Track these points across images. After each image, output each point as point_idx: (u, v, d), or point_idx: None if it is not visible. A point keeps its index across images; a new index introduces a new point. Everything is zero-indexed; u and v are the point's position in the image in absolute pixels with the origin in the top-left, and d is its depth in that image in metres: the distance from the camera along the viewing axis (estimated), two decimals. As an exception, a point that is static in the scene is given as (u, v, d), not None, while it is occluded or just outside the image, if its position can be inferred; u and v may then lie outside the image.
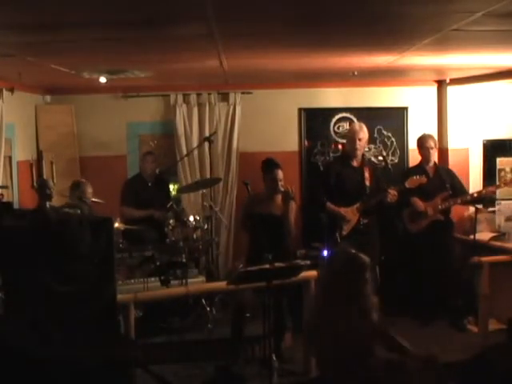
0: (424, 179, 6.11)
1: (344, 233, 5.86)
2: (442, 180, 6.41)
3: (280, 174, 5.49)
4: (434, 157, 6.62)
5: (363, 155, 6.24)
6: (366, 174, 6.02)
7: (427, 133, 6.74)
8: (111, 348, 3.80)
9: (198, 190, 7.12)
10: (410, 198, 6.33)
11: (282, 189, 5.45)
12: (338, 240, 5.80)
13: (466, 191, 6.51)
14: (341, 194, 5.94)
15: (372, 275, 3.38)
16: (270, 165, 5.56)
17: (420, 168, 6.48)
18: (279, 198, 5.51)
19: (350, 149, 6.12)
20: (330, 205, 5.91)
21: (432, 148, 6.48)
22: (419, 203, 6.34)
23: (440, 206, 6.29)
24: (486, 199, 6.48)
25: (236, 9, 3.32)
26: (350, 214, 5.90)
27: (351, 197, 5.94)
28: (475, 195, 6.30)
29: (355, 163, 6.09)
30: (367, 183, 6.00)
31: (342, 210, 5.89)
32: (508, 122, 7.42)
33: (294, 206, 5.58)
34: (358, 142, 6.03)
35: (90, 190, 6.18)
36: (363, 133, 6.11)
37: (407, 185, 5.97)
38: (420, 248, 6.41)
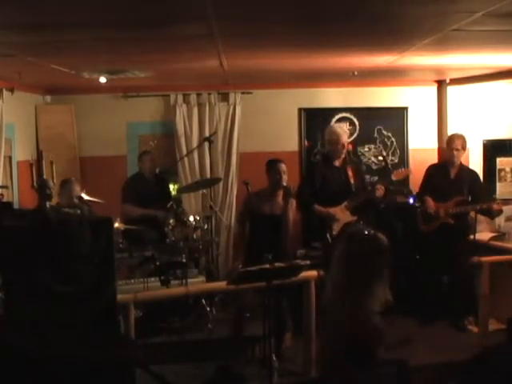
0: (410, 171, 6.07)
1: (334, 232, 5.86)
2: (461, 183, 6.22)
3: (283, 167, 5.58)
4: (460, 158, 6.32)
5: (345, 155, 6.18)
6: (350, 173, 6.02)
7: (458, 133, 6.55)
8: (111, 348, 3.80)
9: (197, 190, 7.13)
10: (425, 196, 6.29)
11: (285, 183, 5.49)
12: (330, 240, 5.81)
13: (483, 197, 6.25)
14: (327, 194, 5.93)
15: None
16: (273, 161, 5.67)
17: (441, 166, 6.40)
18: (280, 196, 5.54)
19: (334, 151, 6.02)
20: (317, 207, 5.89)
21: (458, 150, 6.23)
22: (430, 204, 6.23)
23: (451, 210, 6.16)
24: (495, 213, 6.26)
25: (236, 8, 3.32)
26: (339, 212, 5.89)
27: (337, 196, 5.93)
28: (484, 206, 6.07)
29: (337, 163, 6.07)
30: (352, 181, 6.00)
31: (331, 210, 5.89)
32: (508, 122, 7.42)
33: (293, 204, 5.61)
34: (341, 146, 5.98)
35: (77, 188, 6.16)
36: (346, 135, 6.14)
37: (393, 177, 5.95)
38: (427, 249, 6.38)
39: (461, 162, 6.39)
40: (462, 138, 6.36)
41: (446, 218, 6.20)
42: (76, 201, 6.03)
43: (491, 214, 6.25)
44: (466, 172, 6.42)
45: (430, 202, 6.25)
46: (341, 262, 2.94)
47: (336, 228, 5.87)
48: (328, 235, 5.80)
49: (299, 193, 5.95)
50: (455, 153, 6.26)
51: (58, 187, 6.22)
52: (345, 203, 5.90)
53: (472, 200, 6.12)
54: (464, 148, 6.33)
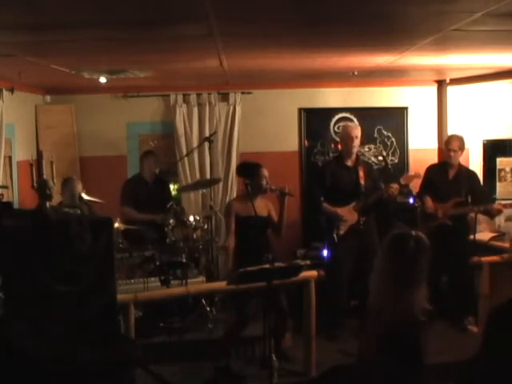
0: (419, 174, 6.08)
1: (341, 232, 5.86)
2: (460, 184, 6.21)
3: (266, 172, 5.34)
4: (458, 159, 6.31)
5: (357, 155, 6.21)
6: (361, 173, 6.02)
7: (456, 134, 6.50)
8: (111, 348, 3.80)
9: (197, 190, 7.12)
10: (424, 196, 6.29)
11: (273, 187, 5.35)
12: (336, 240, 5.81)
13: (483, 197, 6.25)
14: (336, 194, 5.94)
15: None
16: (253, 166, 5.39)
17: (440, 167, 6.39)
18: (262, 198, 5.40)
19: (347, 148, 6.07)
20: (326, 205, 5.90)
21: (455, 151, 6.22)
22: (429, 203, 6.25)
23: (449, 212, 6.15)
24: (495, 213, 6.28)
25: (236, 9, 3.32)
26: (347, 213, 5.89)
27: (347, 196, 5.94)
28: (482, 209, 6.09)
29: (350, 163, 6.07)
30: (362, 182, 6.00)
31: (339, 210, 5.89)
32: (508, 122, 7.43)
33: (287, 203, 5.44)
34: (355, 140, 6.00)
35: (79, 185, 6.15)
36: (358, 131, 6.09)
37: (402, 181, 5.96)
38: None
39: (459, 163, 6.38)
40: (459, 138, 6.34)
41: (444, 218, 6.20)
42: (79, 198, 6.02)
43: (491, 214, 6.26)
44: (465, 173, 6.39)
45: (429, 202, 6.26)
46: (389, 262, 3.00)
47: (343, 228, 5.87)
48: (335, 235, 5.81)
49: (309, 190, 5.93)
50: (452, 154, 6.25)
51: (60, 186, 6.22)
52: (353, 204, 5.90)
53: (472, 200, 6.08)
54: (461, 149, 6.31)
